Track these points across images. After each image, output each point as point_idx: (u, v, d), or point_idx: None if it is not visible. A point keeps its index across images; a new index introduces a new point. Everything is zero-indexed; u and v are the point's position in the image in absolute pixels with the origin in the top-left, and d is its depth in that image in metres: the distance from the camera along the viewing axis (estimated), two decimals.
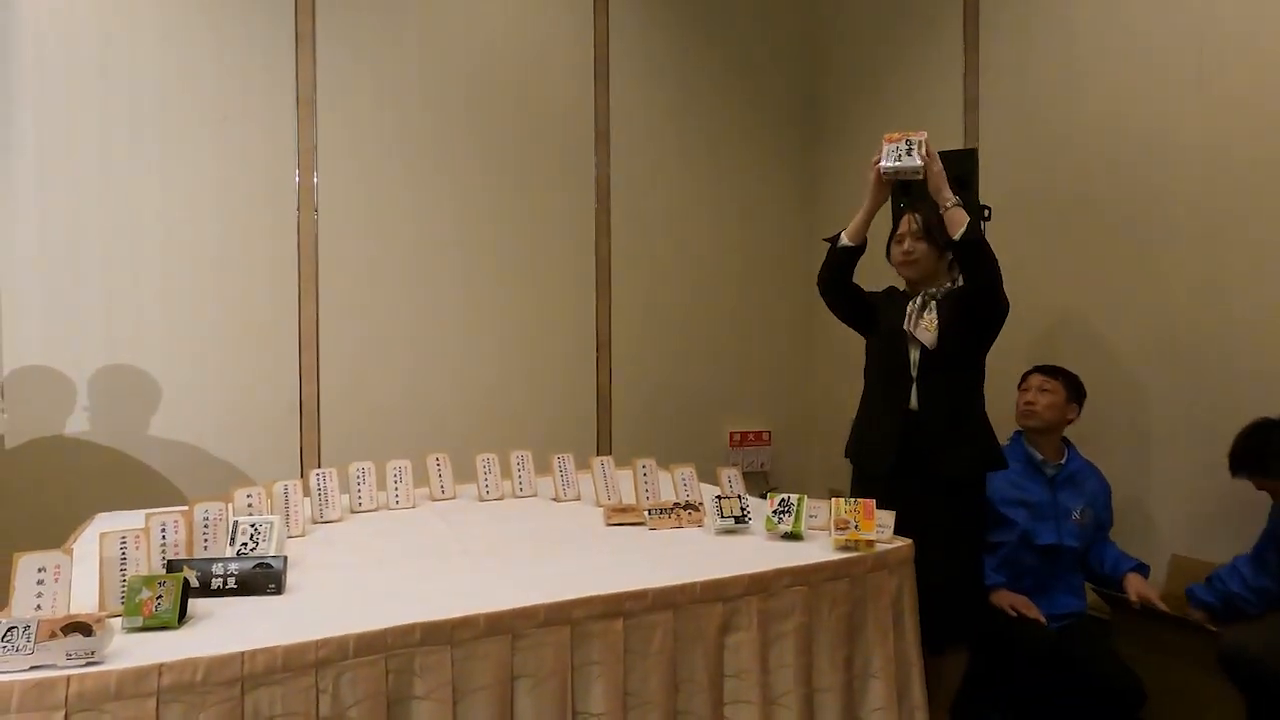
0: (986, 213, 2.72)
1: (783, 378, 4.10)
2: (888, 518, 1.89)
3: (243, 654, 1.34)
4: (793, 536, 1.95)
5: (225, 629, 1.44)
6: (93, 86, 2.87)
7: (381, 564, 1.86)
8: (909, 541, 1.90)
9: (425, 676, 1.46)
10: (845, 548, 1.83)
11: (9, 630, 1.25)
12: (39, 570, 1.40)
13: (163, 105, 2.96)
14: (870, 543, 1.83)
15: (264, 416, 3.13)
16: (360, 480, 2.36)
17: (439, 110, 3.39)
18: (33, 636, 1.26)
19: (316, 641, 1.39)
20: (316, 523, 2.19)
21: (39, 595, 1.38)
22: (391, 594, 1.63)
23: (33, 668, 1.25)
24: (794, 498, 1.97)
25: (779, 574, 1.75)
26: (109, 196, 2.90)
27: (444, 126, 3.40)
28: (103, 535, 1.56)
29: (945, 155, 2.70)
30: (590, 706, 1.57)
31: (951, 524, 2.13)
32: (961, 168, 2.64)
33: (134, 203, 2.94)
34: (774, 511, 1.97)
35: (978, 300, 2.11)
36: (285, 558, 1.67)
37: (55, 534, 2.71)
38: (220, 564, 1.62)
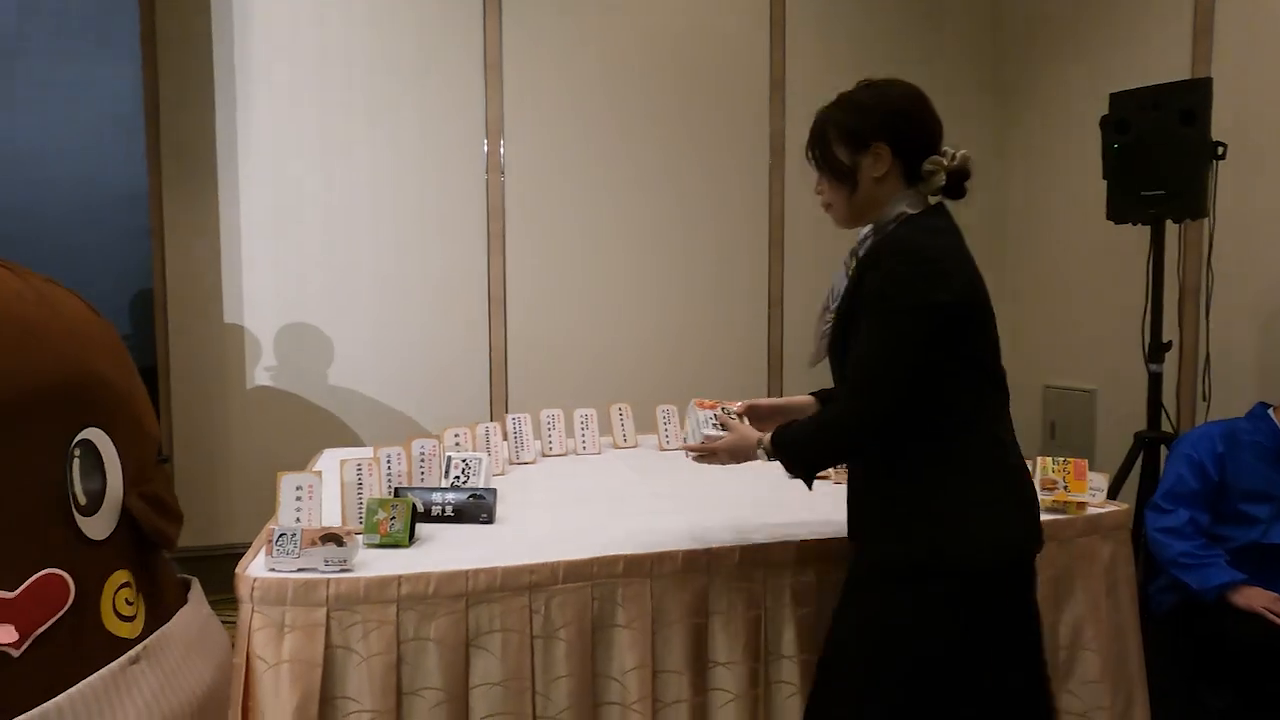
0: (1221, 150, 2.43)
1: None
2: (1100, 480, 1.77)
3: (467, 572, 1.47)
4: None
5: (447, 550, 1.58)
6: (311, 65, 3.15)
7: (578, 502, 1.97)
8: (1126, 506, 1.77)
9: (626, 606, 1.54)
10: (1052, 509, 1.73)
11: (280, 536, 1.44)
12: (297, 488, 1.59)
13: (369, 79, 3.21)
14: (1081, 505, 1.72)
15: (457, 369, 3.37)
16: (550, 426, 2.49)
17: (615, 71, 3.45)
18: (298, 543, 1.45)
19: (529, 566, 1.50)
20: (513, 464, 2.34)
21: (298, 509, 1.58)
22: (591, 529, 1.72)
23: (299, 569, 1.43)
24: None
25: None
26: (326, 165, 3.19)
27: (620, 87, 3.46)
28: (343, 461, 1.75)
29: (1173, 87, 2.44)
30: (782, 649, 1.60)
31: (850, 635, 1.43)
32: (1191, 100, 2.38)
33: (346, 172, 3.21)
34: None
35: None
36: (495, 491, 1.80)
37: (291, 464, 3.10)
38: (439, 493, 1.78)
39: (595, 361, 3.48)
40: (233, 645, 1.46)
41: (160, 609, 1.99)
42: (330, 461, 2.29)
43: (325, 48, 3.16)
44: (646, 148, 3.51)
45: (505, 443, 2.35)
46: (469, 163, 3.33)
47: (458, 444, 2.19)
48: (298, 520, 1.57)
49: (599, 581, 1.53)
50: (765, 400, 1.73)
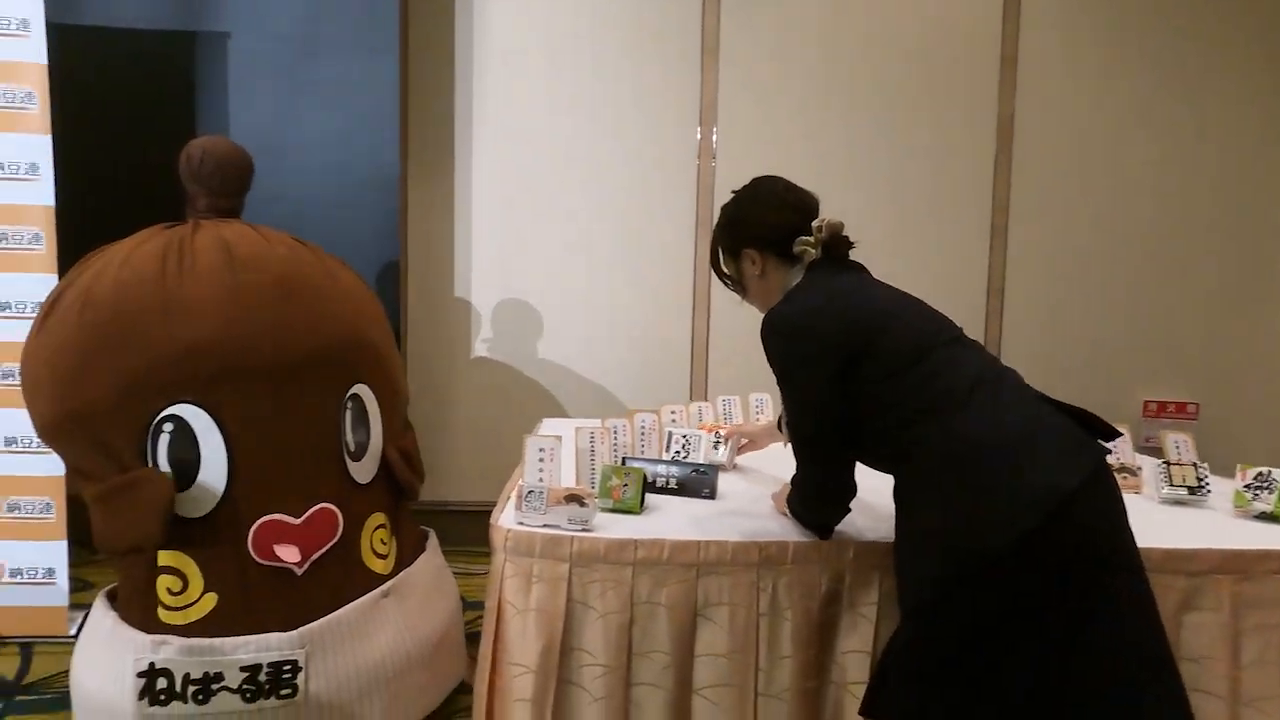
0: None
1: (1215, 345, 3.47)
2: None
3: (699, 543, 1.51)
4: (1271, 518, 1.65)
5: (674, 521, 1.63)
6: (538, 56, 3.33)
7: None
8: None
9: (854, 591, 1.51)
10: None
11: (530, 493, 1.55)
12: (540, 450, 1.70)
13: (589, 66, 3.33)
14: None
15: (659, 351, 3.45)
16: (760, 410, 2.50)
17: (834, 57, 3.37)
18: (545, 501, 1.55)
19: (760, 543, 1.51)
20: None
21: (541, 469, 1.69)
22: None
23: (545, 525, 1.53)
24: (1276, 473, 1.67)
25: (1261, 556, 1.50)
26: (548, 150, 3.37)
27: (838, 74, 3.38)
28: (577, 429, 1.85)
29: None
30: None
31: None
32: None
33: (560, 156, 3.36)
34: (1246, 486, 1.69)
35: None
36: (717, 467, 1.83)
37: (505, 431, 3.32)
38: (663, 465, 1.83)
39: None
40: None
41: (405, 553, 2.20)
42: (551, 431, 2.43)
43: (551, 40, 3.32)
44: (863, 135, 3.40)
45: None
46: (682, 148, 3.38)
47: (674, 420, 2.25)
48: (541, 480, 1.67)
49: (829, 564, 1.51)
50: (747, 425, 2.20)
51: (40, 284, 2.43)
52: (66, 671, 2.33)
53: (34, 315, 2.44)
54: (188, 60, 2.98)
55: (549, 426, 2.59)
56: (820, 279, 1.52)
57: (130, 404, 1.76)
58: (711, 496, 1.80)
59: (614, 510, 1.66)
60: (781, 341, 1.46)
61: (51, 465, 2.49)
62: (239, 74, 2.99)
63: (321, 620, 1.83)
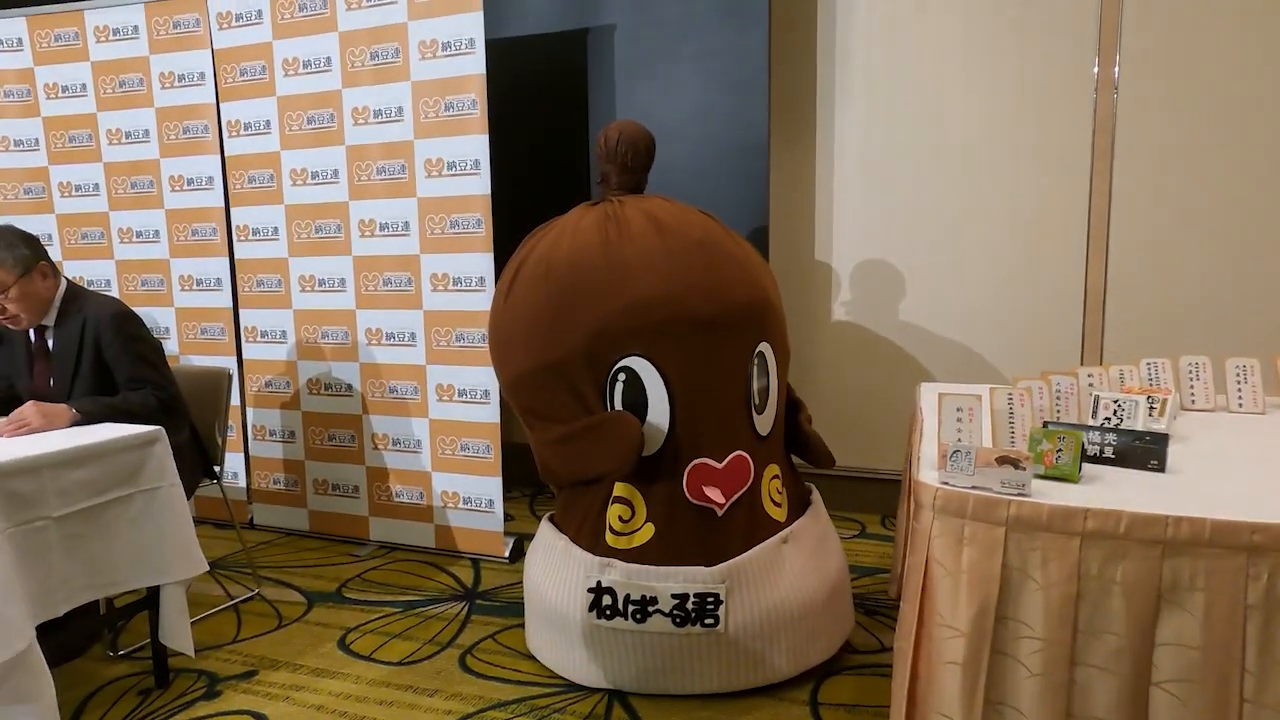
0: None
1: None
2: None
3: (1166, 518, 1.33)
4: None
5: (1123, 491, 1.46)
6: (908, 9, 3.15)
7: (1253, 461, 1.65)
8: None
9: None
10: None
11: (955, 453, 1.49)
12: (957, 409, 1.63)
13: (967, 6, 3.08)
14: None
15: (1043, 311, 3.13)
16: (1194, 376, 2.15)
17: None
18: (972, 461, 1.48)
19: (1252, 524, 1.29)
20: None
21: (959, 429, 1.61)
22: None
23: (973, 486, 1.46)
24: None
25: None
26: (916, 104, 3.20)
27: None
28: (993, 390, 1.74)
29: None
30: None
31: None
32: None
33: (937, 108, 3.17)
34: None
35: None
36: (1167, 435, 1.60)
37: (871, 396, 3.28)
38: (1098, 433, 1.65)
39: (1209, 305, 2.90)
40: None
41: (795, 504, 2.27)
42: (930, 397, 2.32)
43: None
44: None
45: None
46: (1075, 82, 3.00)
47: (1091, 383, 2.02)
48: (958, 439, 1.60)
49: None
50: None
51: (480, 261, 2.90)
52: (507, 586, 2.80)
53: (477, 289, 2.93)
54: (580, 54, 3.32)
55: (929, 393, 2.48)
56: None
57: (595, 353, 2.02)
58: (1160, 469, 1.58)
59: (1045, 477, 1.53)
60: None
61: (491, 413, 2.98)
62: (624, 60, 3.27)
63: (737, 559, 1.97)
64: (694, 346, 1.98)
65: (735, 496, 2.02)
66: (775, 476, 2.14)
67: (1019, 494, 1.43)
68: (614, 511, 2.03)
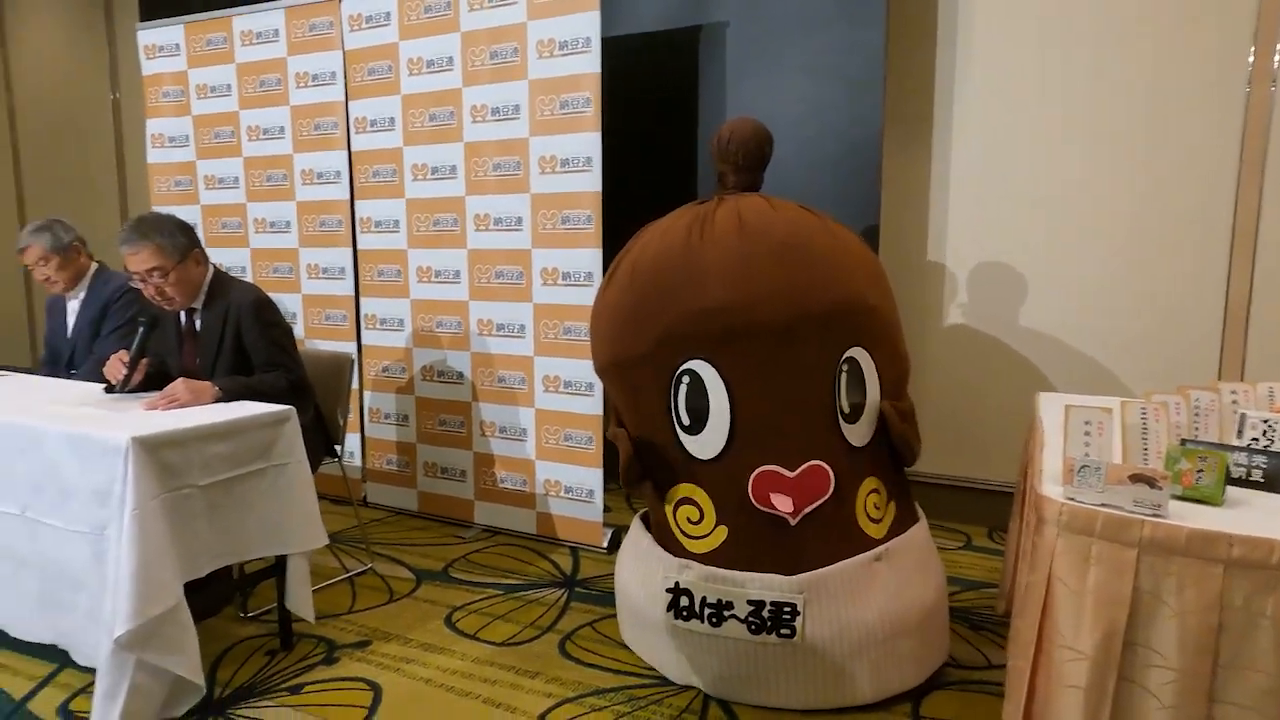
0: None
1: None
2: None
3: None
4: None
5: (1274, 520, 1.35)
6: (1032, 3, 3.01)
7: None
8: None
9: None
10: None
11: (1083, 468, 1.42)
12: (1085, 422, 1.55)
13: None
14: None
15: (1179, 315, 2.93)
16: None
17: None
18: (1102, 477, 1.40)
19: None
20: None
21: (1086, 443, 1.54)
22: None
23: (1102, 504, 1.39)
24: None
25: None
26: (1041, 104, 3.04)
27: None
28: (1124, 403, 1.65)
29: None
30: None
31: None
32: None
33: (1063, 105, 3.01)
34: None
35: None
36: None
37: (986, 403, 3.15)
38: (1244, 454, 1.54)
39: None
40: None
41: (900, 520, 2.19)
42: (1053, 408, 2.22)
43: None
44: None
45: None
46: (1225, 75, 2.79)
47: (1234, 400, 1.88)
48: (1086, 454, 1.52)
49: None
50: None
51: (589, 257, 2.95)
52: (604, 575, 2.85)
53: (585, 284, 2.99)
54: (692, 52, 3.32)
55: (1048, 403, 2.36)
56: None
57: (660, 357, 2.05)
58: None
59: (1183, 498, 1.44)
60: None
61: (594, 405, 3.03)
62: (736, 57, 3.25)
63: (818, 571, 1.93)
64: (762, 352, 1.96)
65: (812, 507, 1.97)
66: (874, 491, 2.07)
67: (1154, 514, 1.35)
68: (682, 513, 2.05)
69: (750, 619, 1.94)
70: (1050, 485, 1.49)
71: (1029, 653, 1.43)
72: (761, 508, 1.99)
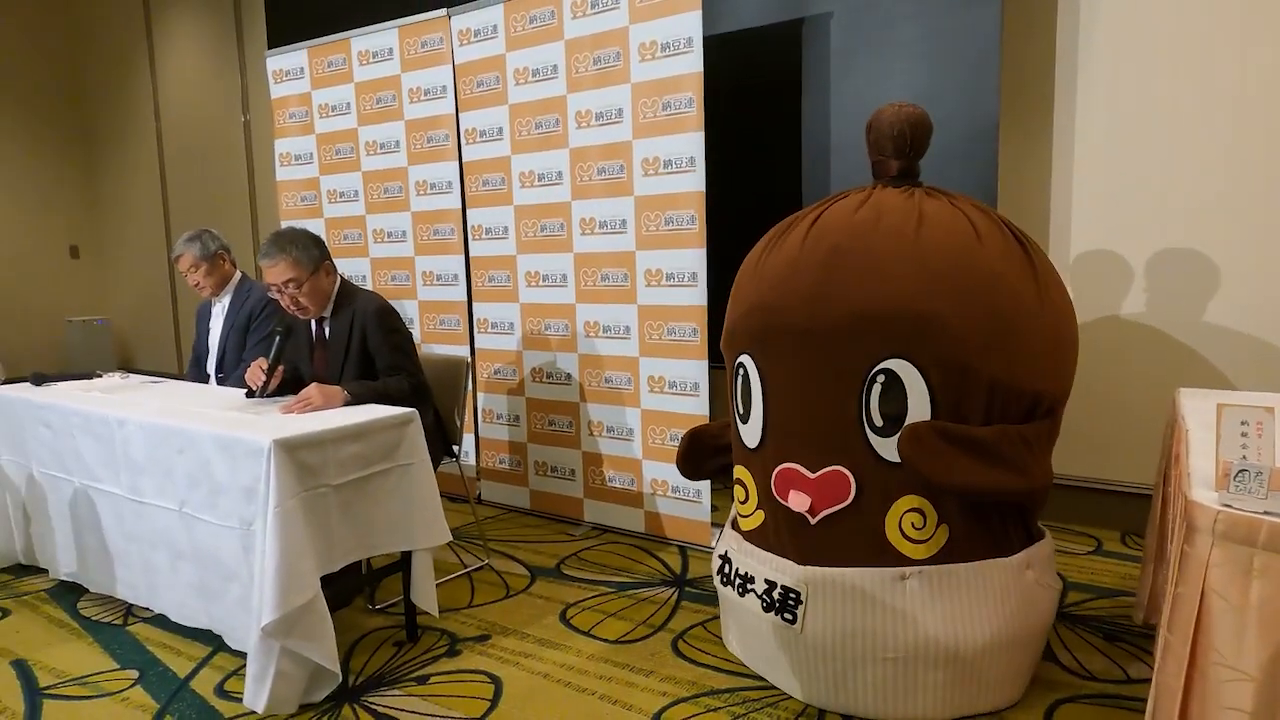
0: None
1: None
2: None
3: None
4: None
5: None
6: None
7: None
8: None
9: None
10: None
11: (1241, 473, 1.32)
12: (1242, 423, 1.43)
13: None
14: None
15: None
16: None
17: None
18: (1265, 483, 1.30)
19: None
20: None
21: (1243, 445, 1.42)
22: None
23: (1265, 512, 1.29)
24: None
25: None
26: (1175, 80, 2.84)
27: None
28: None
29: None
30: None
31: None
32: None
33: (1200, 80, 2.80)
34: None
35: None
36: None
37: (1133, 397, 2.97)
38: None
39: None
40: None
41: (955, 547, 1.95)
42: (1198, 405, 2.07)
43: None
44: None
45: None
46: None
47: None
48: (1244, 456, 1.41)
49: None
50: None
51: (692, 257, 2.95)
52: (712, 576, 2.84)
53: (689, 284, 2.99)
54: (795, 46, 3.27)
55: (1188, 398, 2.20)
56: None
57: (729, 345, 2.20)
58: None
59: None
60: None
61: (700, 405, 3.03)
62: (840, 48, 3.18)
63: (828, 569, 1.96)
64: (790, 354, 2.00)
65: (830, 510, 1.96)
66: (915, 510, 1.93)
67: None
68: (738, 492, 2.23)
69: (764, 596, 2.06)
70: (1201, 490, 1.39)
71: (1181, 670, 1.34)
72: (782, 502, 2.04)
